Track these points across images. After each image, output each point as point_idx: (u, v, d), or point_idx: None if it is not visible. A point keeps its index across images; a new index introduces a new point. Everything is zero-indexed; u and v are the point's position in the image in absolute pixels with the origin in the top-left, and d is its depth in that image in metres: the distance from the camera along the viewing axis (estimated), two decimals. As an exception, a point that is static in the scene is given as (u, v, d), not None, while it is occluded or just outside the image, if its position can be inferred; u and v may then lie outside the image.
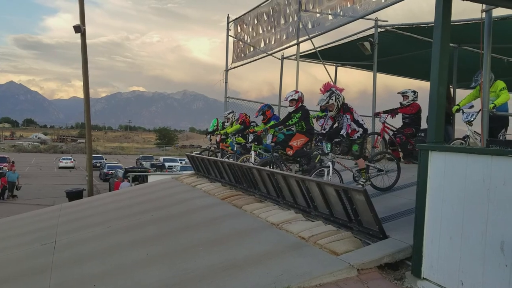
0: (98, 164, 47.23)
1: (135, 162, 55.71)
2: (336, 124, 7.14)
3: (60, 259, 5.98)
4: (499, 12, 7.17)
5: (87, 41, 20.13)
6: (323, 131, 7.23)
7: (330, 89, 6.91)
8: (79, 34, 19.65)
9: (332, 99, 6.83)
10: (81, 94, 22.38)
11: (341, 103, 6.89)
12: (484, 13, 6.05)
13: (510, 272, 3.32)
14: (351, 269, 4.40)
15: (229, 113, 11.59)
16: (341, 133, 6.92)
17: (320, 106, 11.30)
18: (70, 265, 5.68)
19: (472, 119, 7.63)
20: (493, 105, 7.01)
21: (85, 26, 19.77)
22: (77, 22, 19.65)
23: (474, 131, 7.77)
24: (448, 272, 3.90)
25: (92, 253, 6.04)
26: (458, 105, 8.13)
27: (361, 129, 6.98)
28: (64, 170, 52.14)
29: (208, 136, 12.24)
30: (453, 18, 4.46)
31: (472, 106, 7.89)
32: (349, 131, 6.90)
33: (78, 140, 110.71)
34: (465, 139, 7.84)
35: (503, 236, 3.40)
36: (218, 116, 12.31)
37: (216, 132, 11.67)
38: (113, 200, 10.47)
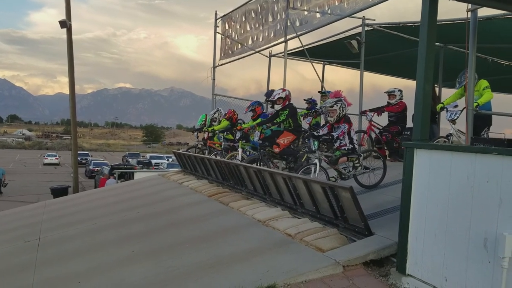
0: (83, 161, 46.83)
1: (121, 159, 55.27)
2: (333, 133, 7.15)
3: (44, 257, 5.91)
4: (484, 12, 7.25)
5: (73, 36, 19.91)
6: (314, 133, 7.25)
7: (339, 97, 6.98)
8: (64, 30, 19.40)
9: (337, 106, 6.88)
10: (66, 90, 22.14)
11: (343, 113, 6.96)
12: (469, 13, 6.11)
13: (493, 268, 3.38)
14: (336, 265, 4.43)
15: (215, 112, 11.50)
16: (332, 133, 6.97)
17: (307, 106, 11.42)
18: (54, 263, 5.62)
19: (455, 118, 7.72)
20: (477, 104, 7.09)
21: (71, 21, 19.53)
22: (63, 17, 19.41)
23: (458, 130, 7.86)
24: (432, 269, 3.94)
25: (76, 250, 5.98)
26: (442, 103, 8.21)
27: (350, 146, 7.03)
28: (49, 166, 51.54)
29: (196, 134, 12.19)
30: (439, 17, 4.51)
31: (456, 106, 7.98)
32: (341, 137, 6.96)
33: (64, 137, 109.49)
34: (448, 138, 7.92)
35: (486, 233, 3.45)
36: (206, 113, 12.22)
37: (204, 128, 11.61)
38: (99, 197, 10.38)
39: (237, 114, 11.06)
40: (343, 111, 6.93)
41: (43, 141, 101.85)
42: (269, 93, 8.93)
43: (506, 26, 8.50)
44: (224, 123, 10.83)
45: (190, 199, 8.28)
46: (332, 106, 6.90)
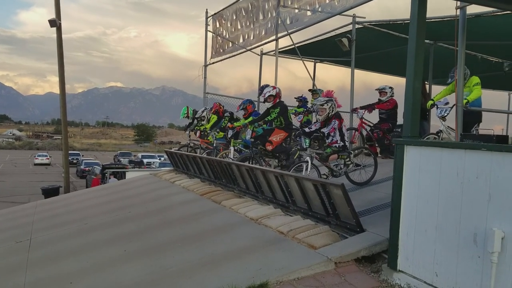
0: (74, 161, 46.64)
1: (113, 159, 54.99)
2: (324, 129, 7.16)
3: (35, 257, 5.88)
4: (473, 9, 7.31)
5: (63, 36, 19.76)
6: (306, 129, 7.26)
7: (331, 97, 7.01)
8: (54, 29, 19.26)
9: (327, 105, 6.92)
10: (57, 90, 22.00)
11: (333, 113, 6.98)
12: (458, 10, 6.15)
13: (482, 263, 3.41)
14: (328, 262, 4.45)
15: (203, 111, 11.54)
16: (323, 130, 6.99)
17: (298, 104, 11.46)
18: (46, 263, 5.59)
19: (445, 114, 7.78)
20: (466, 100, 7.14)
21: (60, 20, 19.38)
22: (52, 16, 19.26)
23: (448, 126, 7.92)
24: (423, 264, 3.98)
25: (68, 251, 5.95)
26: (432, 100, 8.27)
27: (341, 143, 7.05)
28: (39, 167, 51.18)
29: (187, 132, 12.19)
30: (428, 15, 4.54)
31: (447, 103, 8.03)
32: (332, 133, 6.98)
33: (54, 137, 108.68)
34: (439, 134, 7.98)
35: (476, 229, 3.48)
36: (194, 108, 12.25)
37: (196, 127, 11.63)
38: (90, 197, 10.33)
39: (223, 107, 11.14)
40: (332, 111, 6.96)
41: (34, 141, 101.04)
42: (263, 88, 8.92)
43: (494, 23, 8.58)
44: (213, 118, 10.88)
45: (182, 198, 8.27)
46: (322, 105, 6.93)
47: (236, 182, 7.94)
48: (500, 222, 3.31)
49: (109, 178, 22.02)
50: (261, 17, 12.05)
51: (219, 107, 11.00)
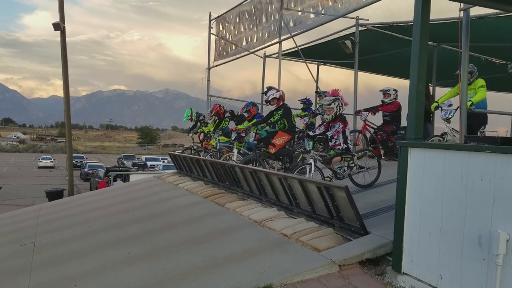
0: (78, 164, 46.79)
1: (117, 162, 55.12)
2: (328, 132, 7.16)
3: (39, 260, 5.89)
4: (476, 11, 7.30)
5: (67, 39, 19.83)
6: (310, 133, 7.26)
7: (337, 96, 7.00)
8: (57, 32, 19.35)
9: (334, 104, 6.91)
10: (61, 93, 22.03)
11: (340, 112, 6.98)
12: (462, 12, 6.15)
13: (487, 265, 3.40)
14: (332, 265, 4.44)
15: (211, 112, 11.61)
16: (327, 133, 6.99)
17: (302, 106, 11.47)
18: (50, 266, 5.60)
19: (450, 116, 7.77)
20: (470, 102, 7.13)
21: (64, 24, 19.48)
22: (55, 20, 19.37)
23: (452, 128, 7.90)
24: (427, 267, 3.96)
25: (72, 253, 5.96)
26: (437, 102, 8.25)
27: (344, 146, 7.04)
28: (44, 169, 51.38)
29: (191, 135, 12.20)
30: (431, 17, 4.53)
31: (451, 105, 8.02)
32: (336, 136, 6.97)
33: (58, 139, 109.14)
34: (443, 136, 7.97)
35: (480, 231, 3.47)
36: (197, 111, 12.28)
37: (199, 130, 11.65)
38: (94, 200, 10.35)
39: (223, 108, 11.17)
40: (340, 109, 6.94)
41: (38, 144, 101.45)
42: (268, 90, 8.94)
43: (498, 25, 8.55)
44: (216, 121, 10.94)
45: (186, 201, 8.27)
46: (329, 104, 6.92)
47: (239, 185, 7.94)
48: (505, 224, 3.29)
49: (115, 181, 22.08)
50: (264, 19, 12.07)
51: (219, 108, 11.04)
